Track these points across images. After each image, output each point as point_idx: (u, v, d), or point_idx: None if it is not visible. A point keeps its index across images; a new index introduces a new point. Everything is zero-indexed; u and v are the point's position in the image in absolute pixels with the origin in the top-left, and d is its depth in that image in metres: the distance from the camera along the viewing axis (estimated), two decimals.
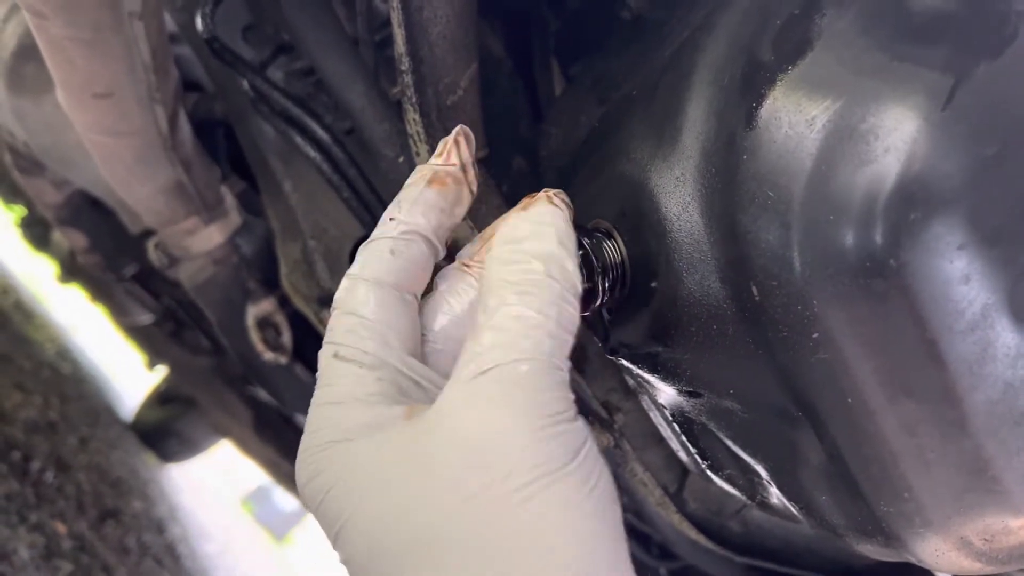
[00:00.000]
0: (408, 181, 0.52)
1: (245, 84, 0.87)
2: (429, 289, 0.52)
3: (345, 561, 0.44)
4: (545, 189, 0.50)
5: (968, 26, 0.41)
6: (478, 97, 0.65)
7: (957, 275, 0.41)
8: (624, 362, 0.59)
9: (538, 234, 0.46)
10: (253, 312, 1.15)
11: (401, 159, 0.72)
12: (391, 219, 0.50)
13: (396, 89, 0.69)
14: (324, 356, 0.47)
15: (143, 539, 2.08)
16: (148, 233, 1.23)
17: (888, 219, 0.41)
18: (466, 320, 0.51)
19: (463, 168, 0.52)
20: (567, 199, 0.49)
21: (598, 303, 0.53)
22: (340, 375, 0.46)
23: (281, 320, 1.16)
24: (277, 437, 1.95)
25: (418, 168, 0.52)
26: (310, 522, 4.49)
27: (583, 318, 0.54)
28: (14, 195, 2.05)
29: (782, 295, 0.44)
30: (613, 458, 0.78)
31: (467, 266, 0.51)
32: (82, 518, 1.83)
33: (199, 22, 0.86)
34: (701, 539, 0.83)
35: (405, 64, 0.61)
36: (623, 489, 0.85)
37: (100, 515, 1.94)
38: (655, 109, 0.53)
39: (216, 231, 1.11)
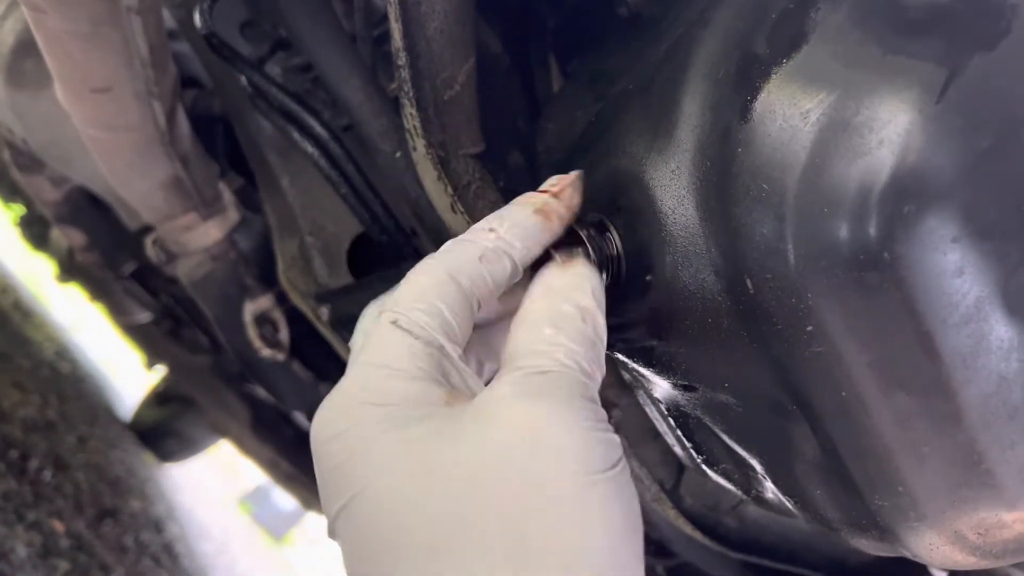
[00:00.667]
0: (518, 200, 0.53)
1: (243, 80, 0.87)
2: None
3: (342, 537, 0.43)
4: (560, 177, 0.52)
5: (962, 20, 0.41)
6: (475, 92, 0.65)
7: (951, 268, 0.41)
8: (620, 356, 0.59)
9: (574, 286, 0.49)
10: (251, 308, 1.15)
11: (398, 154, 0.72)
12: (490, 230, 0.50)
13: (393, 84, 0.69)
14: (383, 321, 0.47)
15: (141, 538, 2.08)
16: (146, 230, 1.23)
17: (882, 212, 0.41)
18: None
19: (568, 210, 0.53)
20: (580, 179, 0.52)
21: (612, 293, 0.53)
22: (393, 341, 0.46)
23: (279, 317, 1.16)
24: (275, 436, 1.95)
25: (530, 193, 0.53)
26: (309, 522, 4.49)
27: None
28: (13, 193, 2.05)
29: (776, 288, 0.44)
30: None
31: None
32: (80, 517, 1.83)
33: (197, 18, 0.86)
34: (697, 535, 0.83)
35: (402, 59, 0.61)
36: None
37: (98, 514, 1.94)
38: (651, 104, 0.53)
39: (214, 227, 1.11)
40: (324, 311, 0.97)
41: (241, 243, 1.15)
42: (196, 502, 3.06)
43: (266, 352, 1.16)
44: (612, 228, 0.53)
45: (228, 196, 1.13)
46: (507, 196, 0.65)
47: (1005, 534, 0.48)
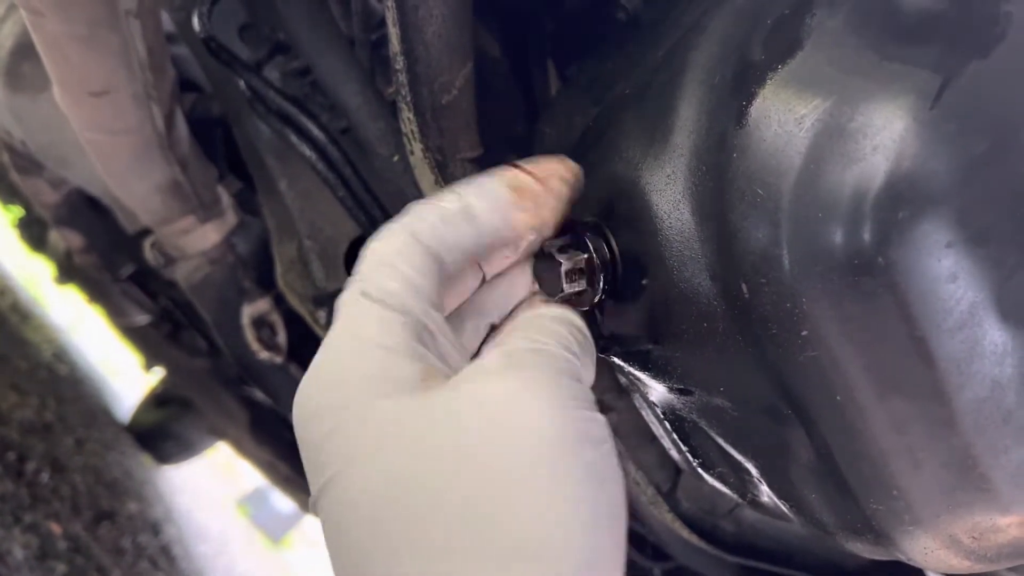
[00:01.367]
0: (491, 169, 0.51)
1: (241, 84, 0.87)
2: None
3: (323, 514, 0.42)
4: (545, 160, 0.51)
5: (957, 26, 0.42)
6: (473, 97, 0.66)
7: (945, 273, 0.41)
8: (616, 360, 0.59)
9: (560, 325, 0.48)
10: (248, 311, 1.15)
11: (396, 158, 0.73)
12: (455, 193, 0.49)
13: (391, 88, 0.69)
14: (350, 293, 0.45)
15: (138, 540, 2.08)
16: (144, 233, 1.24)
17: (876, 217, 0.41)
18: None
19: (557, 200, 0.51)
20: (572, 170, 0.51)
21: (596, 300, 0.53)
22: (365, 313, 0.44)
23: (276, 320, 1.16)
24: (273, 439, 1.95)
25: (507, 167, 0.51)
26: (307, 525, 4.48)
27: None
28: (11, 195, 2.05)
29: (771, 293, 0.44)
30: None
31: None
32: (77, 519, 1.83)
33: (196, 21, 0.87)
34: (694, 539, 0.83)
35: (400, 63, 0.61)
36: None
37: (95, 516, 1.94)
38: (647, 108, 0.53)
39: (212, 230, 1.11)
40: (322, 314, 0.97)
41: (239, 246, 1.15)
42: (194, 504, 3.06)
43: (264, 355, 1.17)
44: (608, 232, 0.54)
45: (226, 199, 1.13)
46: None
47: (1000, 538, 0.48)
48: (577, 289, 0.52)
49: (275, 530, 4.47)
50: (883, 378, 0.44)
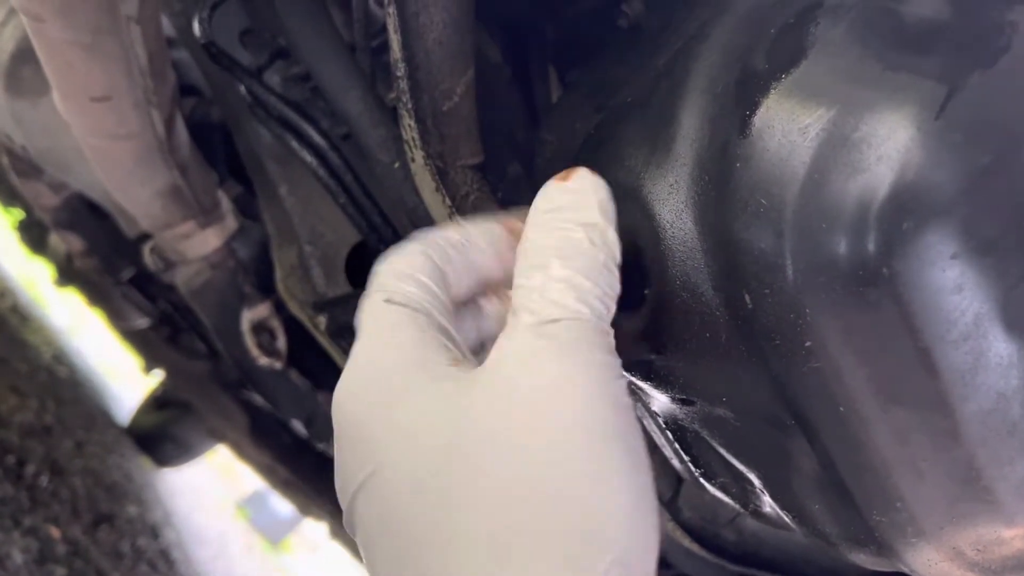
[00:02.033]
0: (490, 216, 0.54)
1: (242, 89, 0.87)
2: None
3: (363, 507, 0.42)
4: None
5: (962, 36, 0.41)
6: (474, 103, 0.65)
7: (950, 284, 0.41)
8: None
9: (579, 204, 0.47)
10: (248, 317, 1.15)
11: (397, 164, 0.72)
12: (459, 226, 0.51)
13: (392, 95, 0.69)
14: (374, 302, 0.47)
15: (137, 544, 2.08)
16: (144, 237, 1.23)
17: (881, 228, 0.41)
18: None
19: None
20: None
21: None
22: (393, 315, 0.46)
23: (276, 325, 1.16)
24: (273, 442, 1.95)
25: (503, 215, 0.54)
26: (306, 528, 4.47)
27: None
28: (11, 198, 2.05)
29: (775, 303, 0.44)
30: None
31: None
32: (76, 522, 1.82)
33: (196, 26, 0.86)
34: (695, 548, 0.83)
35: (401, 70, 0.61)
36: None
37: (95, 519, 1.94)
38: (650, 117, 0.53)
39: (212, 235, 1.11)
40: (322, 320, 0.97)
41: (239, 251, 1.15)
42: (193, 507, 3.05)
43: (264, 360, 1.16)
44: None
45: (226, 204, 1.13)
46: (505, 207, 0.65)
47: (1004, 550, 0.48)
48: None
49: (274, 533, 4.46)
50: (887, 389, 0.44)
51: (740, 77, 0.47)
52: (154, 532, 2.28)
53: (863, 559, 0.55)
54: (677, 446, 0.62)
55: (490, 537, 0.38)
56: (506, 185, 0.73)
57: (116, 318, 1.93)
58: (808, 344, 0.44)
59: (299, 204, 1.00)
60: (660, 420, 0.62)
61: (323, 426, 1.17)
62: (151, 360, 2.18)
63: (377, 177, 0.75)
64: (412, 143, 0.64)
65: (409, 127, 0.63)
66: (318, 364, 1.13)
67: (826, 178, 0.42)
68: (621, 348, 0.50)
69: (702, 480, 0.63)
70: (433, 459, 0.40)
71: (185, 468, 2.79)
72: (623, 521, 0.40)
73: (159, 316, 1.82)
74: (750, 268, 0.44)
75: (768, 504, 0.58)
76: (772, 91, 0.44)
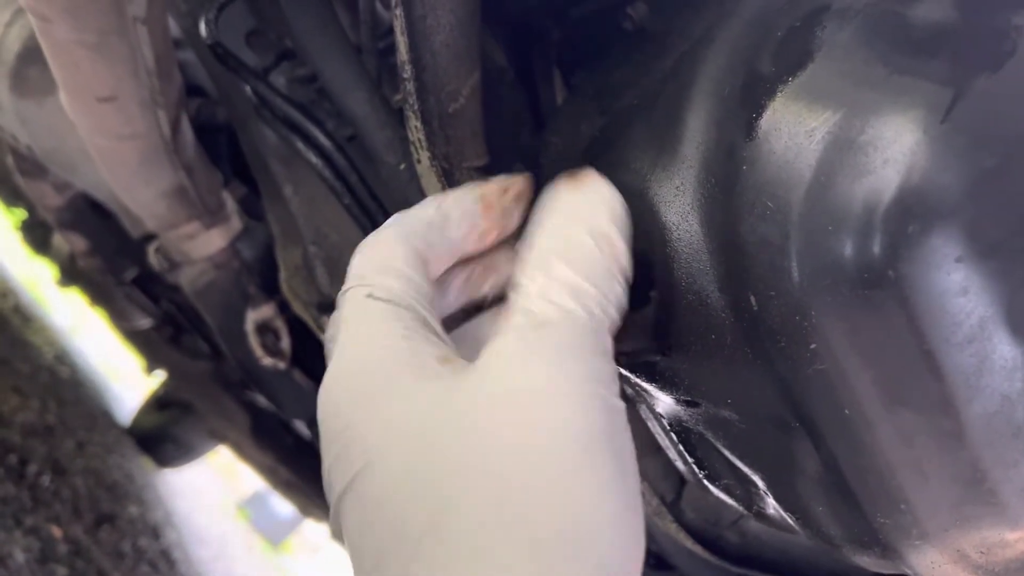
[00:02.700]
0: (466, 184, 0.53)
1: (248, 90, 0.87)
2: None
3: (350, 508, 0.41)
4: (511, 179, 0.54)
5: (968, 40, 0.42)
6: (480, 105, 0.66)
7: (955, 287, 0.41)
8: (622, 371, 0.59)
9: (589, 208, 0.47)
10: (253, 317, 1.16)
11: (403, 166, 0.73)
12: (435, 205, 0.51)
13: (398, 96, 0.69)
14: (354, 297, 0.46)
15: (138, 544, 2.08)
16: (149, 237, 1.24)
17: (887, 230, 0.41)
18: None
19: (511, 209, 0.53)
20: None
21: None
22: (376, 312, 0.45)
23: (280, 325, 1.16)
24: (275, 443, 1.95)
25: (479, 182, 0.54)
26: (306, 529, 4.48)
27: None
28: (15, 198, 2.06)
29: (780, 305, 0.44)
30: None
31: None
32: (78, 522, 1.83)
33: (203, 27, 0.87)
34: (698, 549, 0.83)
35: (407, 71, 0.61)
36: None
37: (96, 519, 1.94)
38: (655, 119, 0.53)
39: (217, 236, 1.11)
40: (326, 320, 0.97)
41: (244, 252, 1.15)
42: (194, 508, 3.05)
43: (267, 361, 1.17)
44: None
45: (231, 205, 1.13)
46: None
47: (1008, 553, 0.48)
48: None
49: (275, 534, 4.47)
50: (892, 391, 0.44)
51: (746, 80, 0.47)
52: (155, 532, 2.28)
53: (867, 561, 0.55)
54: (681, 448, 0.62)
55: (472, 538, 0.38)
56: None
57: (118, 318, 1.93)
58: (813, 346, 0.44)
59: (304, 205, 1.01)
60: (664, 422, 0.62)
61: None
62: (153, 361, 2.18)
63: (382, 178, 0.75)
64: (418, 144, 0.64)
65: (415, 128, 0.63)
66: (322, 365, 1.13)
67: (832, 181, 0.42)
68: (626, 349, 0.50)
69: (706, 482, 0.63)
70: (419, 458, 0.40)
71: (186, 469, 2.79)
72: (606, 528, 0.39)
73: (162, 317, 1.83)
74: (756, 270, 0.44)
75: (772, 506, 0.58)
76: (778, 94, 0.44)
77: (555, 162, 0.71)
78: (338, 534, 0.44)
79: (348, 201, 0.83)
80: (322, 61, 0.74)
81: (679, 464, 0.66)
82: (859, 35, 0.43)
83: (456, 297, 0.54)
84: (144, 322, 1.85)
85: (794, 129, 0.43)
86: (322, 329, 1.00)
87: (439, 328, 0.47)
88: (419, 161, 0.65)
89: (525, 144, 0.78)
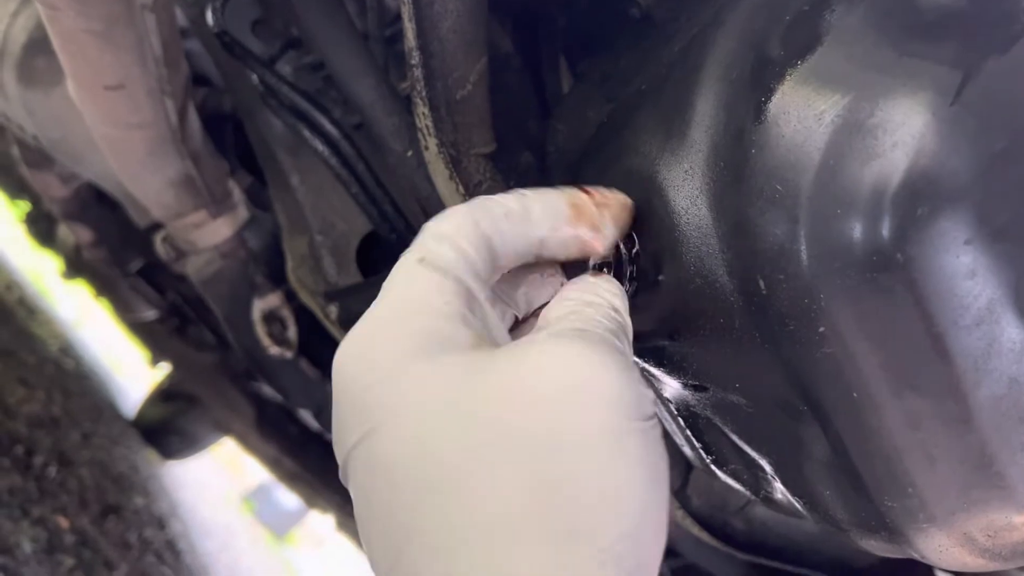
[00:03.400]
0: (556, 187, 0.52)
1: (254, 78, 0.88)
2: None
3: (357, 473, 0.41)
4: (610, 192, 0.52)
5: (977, 22, 0.42)
6: (487, 92, 0.66)
7: (963, 270, 0.41)
8: None
9: (606, 294, 0.48)
10: (259, 306, 1.16)
11: (410, 153, 0.73)
12: (520, 195, 0.49)
13: (405, 84, 0.69)
14: (407, 260, 0.45)
15: (144, 535, 2.09)
16: (155, 227, 1.24)
17: (895, 213, 0.41)
18: None
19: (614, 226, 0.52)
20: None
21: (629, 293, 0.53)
22: (421, 278, 0.44)
23: (287, 315, 1.16)
24: (279, 434, 1.96)
25: (569, 187, 0.52)
26: (311, 521, 4.49)
27: None
28: (20, 190, 2.06)
29: (789, 289, 0.44)
30: None
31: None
32: (84, 513, 1.83)
33: (209, 16, 0.87)
34: (704, 536, 0.83)
35: (415, 58, 0.61)
36: None
37: (102, 510, 1.94)
38: (664, 104, 0.53)
39: (224, 225, 1.11)
40: (333, 309, 0.97)
41: (250, 241, 1.15)
42: (199, 500, 3.06)
43: (274, 350, 1.17)
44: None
45: (238, 194, 1.13)
46: None
47: (1015, 536, 0.48)
48: None
49: (279, 526, 4.48)
50: (899, 375, 0.44)
51: (755, 64, 0.47)
52: (160, 523, 2.29)
53: (873, 545, 0.55)
54: (689, 433, 0.63)
55: (503, 517, 0.38)
56: (518, 174, 0.73)
57: (124, 310, 1.94)
58: (822, 329, 0.44)
59: (310, 194, 1.01)
60: (672, 407, 0.62)
61: None
62: (158, 352, 2.18)
63: (390, 166, 0.75)
64: (426, 131, 0.64)
65: (423, 115, 0.64)
66: (329, 354, 1.12)
67: (841, 164, 0.42)
68: (635, 334, 0.50)
69: (713, 467, 0.63)
70: (436, 433, 0.40)
71: (191, 460, 2.80)
72: (636, 497, 0.40)
73: (167, 308, 1.83)
74: (765, 253, 0.45)
75: (779, 491, 0.58)
76: (787, 77, 0.44)
77: (562, 149, 0.71)
78: (346, 482, 0.44)
79: (355, 190, 0.84)
80: (329, 49, 0.74)
81: (686, 450, 0.67)
82: (868, 18, 0.43)
83: (520, 296, 0.53)
84: (149, 313, 1.86)
85: (803, 112, 0.43)
86: (329, 318, 1.00)
87: (489, 310, 0.46)
88: (427, 148, 0.65)
89: (532, 131, 0.78)
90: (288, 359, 1.18)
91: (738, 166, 0.46)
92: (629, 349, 0.47)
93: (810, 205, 0.43)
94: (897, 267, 0.41)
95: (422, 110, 0.63)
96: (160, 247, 1.20)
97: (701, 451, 0.63)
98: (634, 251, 0.53)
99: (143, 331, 2.11)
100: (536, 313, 0.52)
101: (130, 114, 0.88)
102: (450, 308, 0.43)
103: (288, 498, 4.02)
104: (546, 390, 0.40)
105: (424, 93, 0.62)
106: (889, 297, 0.42)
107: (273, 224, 1.13)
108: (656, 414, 0.43)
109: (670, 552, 0.95)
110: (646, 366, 0.58)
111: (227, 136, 1.18)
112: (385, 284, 0.46)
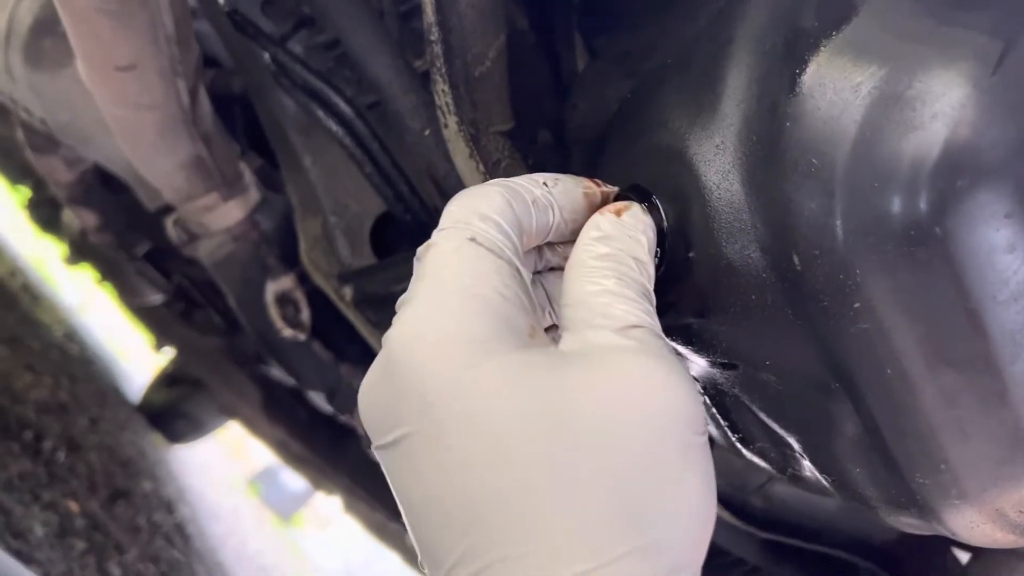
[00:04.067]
0: (571, 176, 0.52)
1: (266, 57, 0.87)
2: None
3: (411, 460, 0.41)
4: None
5: None
6: (505, 68, 0.65)
7: (1003, 244, 0.41)
8: None
9: (630, 237, 0.48)
10: (272, 289, 1.15)
11: (427, 132, 0.72)
12: (544, 183, 0.49)
13: (421, 61, 0.68)
14: (454, 238, 0.44)
15: (153, 519, 2.09)
16: (165, 211, 1.23)
17: (934, 186, 0.40)
18: None
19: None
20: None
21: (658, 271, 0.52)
22: (475, 257, 0.43)
23: (300, 297, 1.16)
24: (287, 417, 1.95)
25: (583, 178, 0.52)
26: (317, 503, 4.50)
27: None
28: (22, 175, 2.05)
29: (824, 264, 0.44)
30: None
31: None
32: (94, 497, 1.84)
33: None
34: (725, 515, 0.83)
35: (434, 34, 0.60)
36: None
37: (111, 495, 1.95)
38: (692, 78, 0.53)
39: (235, 207, 1.10)
40: (347, 291, 0.97)
41: (263, 223, 1.14)
42: (206, 484, 3.07)
43: (287, 332, 1.16)
44: (658, 202, 0.53)
45: (249, 176, 1.13)
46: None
47: None
48: None
49: (285, 509, 4.50)
50: (935, 350, 0.44)
51: (788, 35, 0.46)
52: (169, 507, 2.29)
53: (902, 522, 0.55)
54: (715, 411, 0.62)
55: (576, 525, 0.39)
56: (536, 152, 0.73)
57: (129, 295, 1.93)
58: (857, 305, 0.44)
59: (323, 175, 1.00)
60: (698, 386, 0.61)
61: (346, 398, 1.16)
62: (163, 337, 2.18)
63: (406, 145, 0.74)
64: (445, 108, 0.64)
65: (442, 92, 0.63)
66: (342, 336, 1.13)
67: (878, 136, 0.41)
68: (663, 313, 0.50)
69: (739, 445, 0.63)
70: (512, 433, 0.40)
71: (197, 444, 2.81)
72: (698, 504, 0.42)
73: (173, 292, 1.82)
74: (800, 229, 0.44)
75: (807, 468, 0.58)
76: (822, 49, 0.44)
77: (581, 126, 0.70)
78: (385, 460, 0.43)
79: (369, 170, 0.83)
80: (344, 26, 0.73)
81: (711, 428, 0.66)
82: None
83: None
84: (155, 298, 1.85)
85: (839, 84, 0.43)
86: (343, 300, 0.99)
87: (532, 294, 0.46)
88: (446, 126, 0.65)
89: (548, 108, 0.77)
90: (301, 341, 1.17)
91: (772, 140, 0.45)
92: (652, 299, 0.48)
93: (846, 179, 0.42)
94: (935, 241, 0.41)
95: (441, 87, 0.63)
96: (172, 230, 1.19)
97: (727, 429, 0.63)
98: (665, 227, 0.52)
99: (148, 316, 2.10)
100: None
101: (141, 95, 0.87)
102: (509, 292, 0.43)
103: (294, 480, 4.03)
104: (627, 414, 0.41)
105: (443, 70, 0.62)
106: (926, 271, 0.42)
107: (285, 206, 1.12)
108: (707, 420, 0.45)
109: None
110: (675, 345, 0.58)
111: (236, 117, 1.17)
112: (430, 260, 0.44)
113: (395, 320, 0.43)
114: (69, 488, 1.74)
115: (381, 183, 0.83)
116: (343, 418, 1.19)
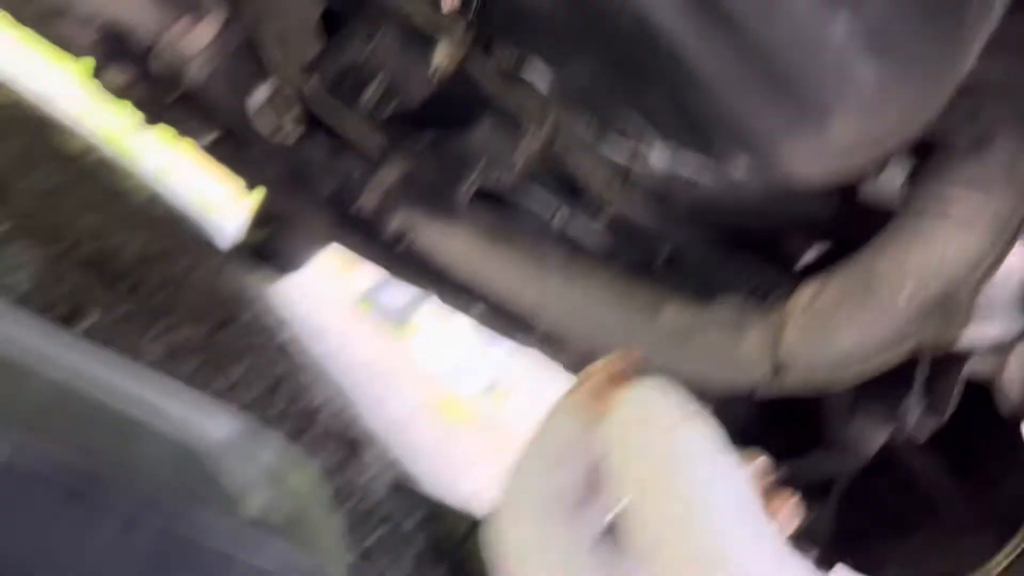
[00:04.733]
0: None
1: None
2: None
3: None
4: None
5: None
6: None
7: None
8: None
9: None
10: (262, 92, 1.21)
11: None
12: None
13: None
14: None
15: (259, 342, 2.23)
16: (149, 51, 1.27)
17: None
18: None
19: None
20: None
21: None
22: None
23: (289, 93, 1.21)
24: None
25: None
26: (427, 308, 4.62)
27: None
28: None
29: None
30: None
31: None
32: (199, 326, 1.96)
33: None
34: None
35: None
36: None
37: (216, 324, 2.07)
38: None
39: (206, 27, 1.16)
40: (314, 79, 1.02)
41: (232, 39, 1.19)
42: (312, 308, 3.20)
43: (288, 127, 1.23)
44: None
45: None
46: None
47: None
48: None
49: (396, 319, 4.62)
50: None
51: None
52: (273, 332, 2.43)
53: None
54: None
55: None
56: None
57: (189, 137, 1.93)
58: None
59: None
60: None
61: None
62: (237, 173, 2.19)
63: None
64: None
65: None
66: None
67: None
68: None
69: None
70: None
71: (299, 274, 2.93)
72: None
73: (221, 128, 1.85)
74: None
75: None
76: None
77: None
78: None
79: None
80: None
81: None
82: None
83: None
84: (207, 137, 1.87)
85: None
86: (313, 90, 1.01)
87: None
88: None
89: None
90: (300, 136, 1.24)
91: None
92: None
93: None
94: None
95: None
96: (157, 65, 1.26)
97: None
98: None
99: (215, 153, 2.10)
100: None
101: None
102: None
103: (401, 292, 4.15)
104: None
105: None
106: None
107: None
108: None
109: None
110: None
111: None
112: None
113: None
114: (174, 321, 1.87)
115: None
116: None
